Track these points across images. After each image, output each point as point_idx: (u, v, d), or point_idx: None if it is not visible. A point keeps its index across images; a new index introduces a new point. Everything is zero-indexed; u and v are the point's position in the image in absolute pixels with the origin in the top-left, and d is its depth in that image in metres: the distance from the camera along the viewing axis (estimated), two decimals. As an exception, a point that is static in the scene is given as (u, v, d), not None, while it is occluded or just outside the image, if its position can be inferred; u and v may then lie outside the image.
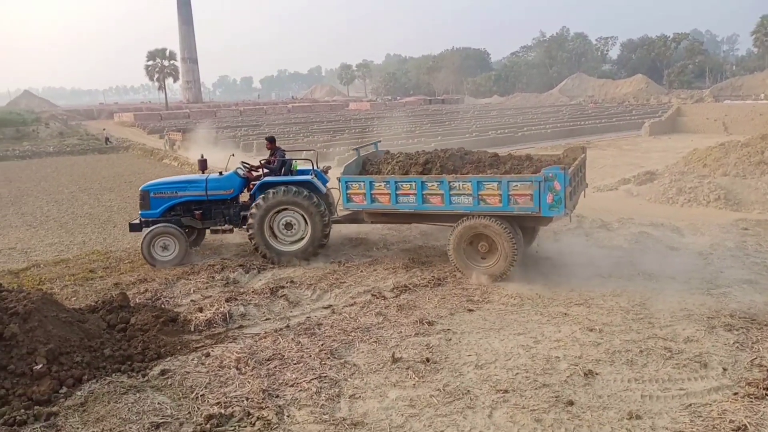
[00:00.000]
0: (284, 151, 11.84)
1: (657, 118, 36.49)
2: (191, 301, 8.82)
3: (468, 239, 9.37)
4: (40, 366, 6.09)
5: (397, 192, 9.58)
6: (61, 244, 12.93)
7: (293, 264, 10.50)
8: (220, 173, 11.48)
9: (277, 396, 5.85)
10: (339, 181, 10.06)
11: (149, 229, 10.80)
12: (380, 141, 13.02)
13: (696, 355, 6.39)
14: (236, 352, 6.80)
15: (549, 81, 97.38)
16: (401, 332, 7.31)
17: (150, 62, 78.20)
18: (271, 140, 12.04)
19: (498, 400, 5.63)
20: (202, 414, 5.53)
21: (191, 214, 11.27)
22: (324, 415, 5.49)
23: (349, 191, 9.98)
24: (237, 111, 68.94)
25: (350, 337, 7.20)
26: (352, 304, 8.41)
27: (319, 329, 7.49)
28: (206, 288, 9.35)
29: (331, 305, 8.46)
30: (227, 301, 8.54)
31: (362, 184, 9.86)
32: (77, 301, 8.83)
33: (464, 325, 7.48)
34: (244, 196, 11.62)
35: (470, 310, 8.00)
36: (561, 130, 36.13)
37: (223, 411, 5.55)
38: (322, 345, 6.98)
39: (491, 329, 7.34)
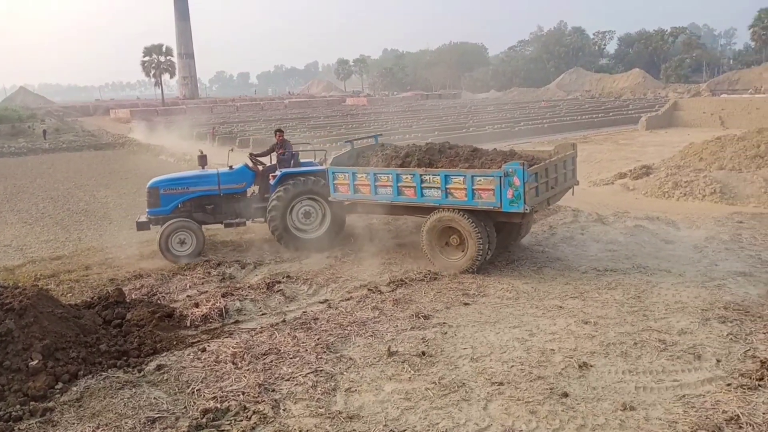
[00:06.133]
0: (290, 143, 12.17)
1: (654, 112, 36.47)
2: (187, 296, 8.83)
3: (439, 231, 9.48)
4: (36, 362, 6.09)
5: (376, 183, 9.75)
6: (56, 240, 12.90)
7: (292, 259, 10.52)
8: (230, 167, 11.54)
9: (273, 390, 5.86)
10: (327, 172, 10.25)
11: (167, 224, 10.72)
12: (381, 135, 13.12)
13: (690, 347, 6.42)
14: (232, 347, 6.82)
15: (546, 76, 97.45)
16: (397, 326, 7.33)
17: (146, 58, 77.84)
18: (280, 131, 12.21)
19: (493, 393, 5.65)
20: (198, 408, 5.54)
21: (203, 209, 11.32)
22: (320, 408, 5.50)
23: (335, 181, 10.18)
24: (233, 107, 68.86)
25: (346, 332, 7.22)
26: (348, 299, 8.42)
27: (316, 324, 7.51)
28: (202, 283, 9.36)
29: (327, 300, 8.47)
30: (223, 296, 8.53)
31: (347, 175, 10.04)
32: (73, 298, 8.83)
33: (460, 319, 7.51)
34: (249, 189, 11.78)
35: (466, 304, 8.02)
36: (558, 125, 36.14)
37: (219, 405, 5.56)
38: (318, 339, 6.99)
39: (487, 322, 7.36)
